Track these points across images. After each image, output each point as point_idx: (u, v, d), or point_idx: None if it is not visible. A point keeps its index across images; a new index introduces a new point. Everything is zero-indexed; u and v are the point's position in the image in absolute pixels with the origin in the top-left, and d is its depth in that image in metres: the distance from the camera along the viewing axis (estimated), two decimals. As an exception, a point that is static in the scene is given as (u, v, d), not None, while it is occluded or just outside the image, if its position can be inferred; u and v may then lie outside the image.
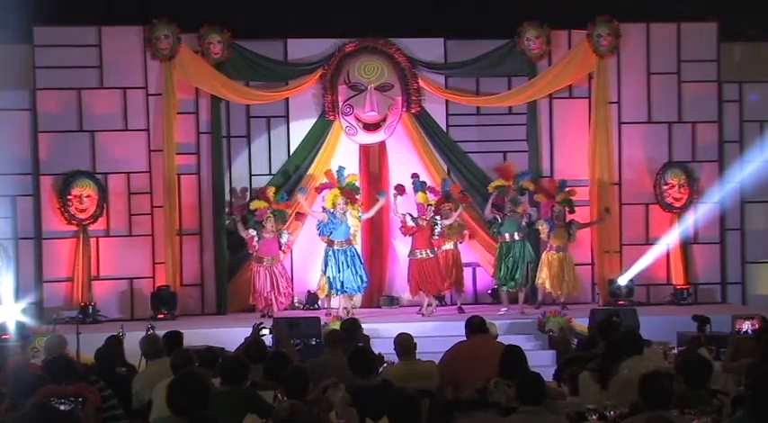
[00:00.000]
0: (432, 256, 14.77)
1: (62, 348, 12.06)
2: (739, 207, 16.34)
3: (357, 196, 15.06)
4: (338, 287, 14.53)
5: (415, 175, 15.48)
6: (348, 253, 14.61)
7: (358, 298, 15.32)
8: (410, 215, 14.84)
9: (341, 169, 15.16)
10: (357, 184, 15.23)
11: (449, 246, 15.10)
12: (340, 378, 7.40)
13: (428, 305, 14.84)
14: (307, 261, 15.65)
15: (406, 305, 15.75)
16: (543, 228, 15.18)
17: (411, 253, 14.88)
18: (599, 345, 9.23)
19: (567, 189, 15.47)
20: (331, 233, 14.61)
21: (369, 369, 7.74)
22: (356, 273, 14.58)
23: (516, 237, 14.95)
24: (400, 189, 15.05)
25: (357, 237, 15.06)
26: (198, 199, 15.65)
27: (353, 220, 14.86)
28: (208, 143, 15.64)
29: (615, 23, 15.86)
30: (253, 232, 14.88)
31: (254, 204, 15.17)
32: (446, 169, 15.92)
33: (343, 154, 15.86)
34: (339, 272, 14.51)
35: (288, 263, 15.49)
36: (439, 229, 14.80)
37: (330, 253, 14.59)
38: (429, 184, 15.49)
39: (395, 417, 5.98)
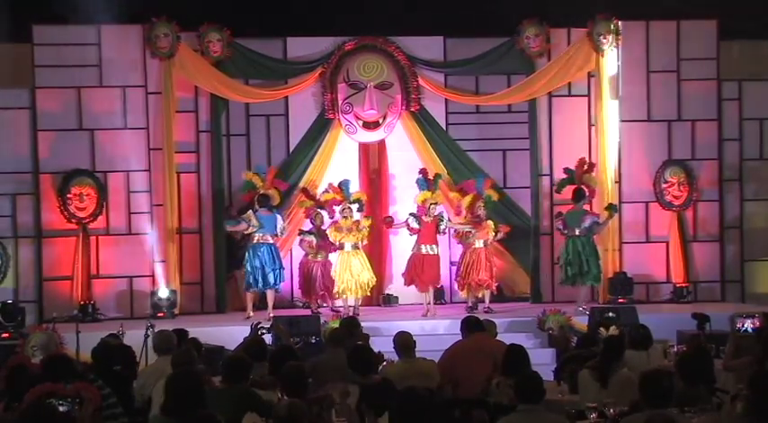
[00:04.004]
0: (433, 253, 14.73)
1: (56, 346, 12.11)
2: (739, 205, 16.34)
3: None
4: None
5: (423, 171, 15.34)
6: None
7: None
8: (412, 216, 14.80)
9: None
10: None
11: (479, 244, 14.87)
12: (340, 376, 7.40)
13: (429, 304, 14.78)
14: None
15: (406, 304, 15.73)
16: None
17: (415, 247, 14.81)
18: (599, 343, 9.24)
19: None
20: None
21: (368, 367, 7.75)
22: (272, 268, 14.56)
23: (577, 232, 14.89)
24: (389, 223, 15.18)
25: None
26: (197, 197, 15.65)
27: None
28: (207, 142, 15.63)
29: (615, 21, 15.85)
30: (310, 237, 14.91)
31: (303, 203, 15.26)
32: (445, 169, 15.85)
33: (342, 152, 15.86)
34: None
35: (288, 261, 15.48)
36: (444, 226, 14.79)
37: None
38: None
39: (401, 417, 5.75)
